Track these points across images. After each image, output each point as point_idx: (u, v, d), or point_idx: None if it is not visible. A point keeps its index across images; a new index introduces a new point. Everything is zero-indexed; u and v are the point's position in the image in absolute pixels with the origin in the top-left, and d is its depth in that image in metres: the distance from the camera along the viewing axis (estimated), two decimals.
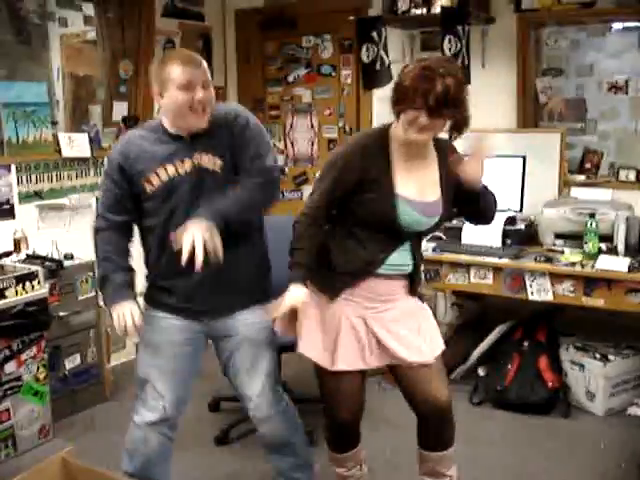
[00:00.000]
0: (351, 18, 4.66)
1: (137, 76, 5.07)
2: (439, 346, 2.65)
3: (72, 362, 4.03)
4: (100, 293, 2.85)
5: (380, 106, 5.02)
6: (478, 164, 2.42)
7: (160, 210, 2.59)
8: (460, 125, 2.39)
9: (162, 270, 2.65)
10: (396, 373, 2.65)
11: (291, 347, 3.55)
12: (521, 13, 4.42)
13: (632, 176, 4.30)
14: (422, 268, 2.74)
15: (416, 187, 2.49)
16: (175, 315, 2.68)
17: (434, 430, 2.64)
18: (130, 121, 5.00)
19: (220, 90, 5.59)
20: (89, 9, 5.04)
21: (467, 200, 2.55)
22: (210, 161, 2.57)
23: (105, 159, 2.66)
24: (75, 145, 4.61)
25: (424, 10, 4.42)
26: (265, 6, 5.41)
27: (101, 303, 3.05)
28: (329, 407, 2.73)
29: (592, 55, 4.54)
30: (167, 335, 2.69)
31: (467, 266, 3.95)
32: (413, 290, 2.65)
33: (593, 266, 3.64)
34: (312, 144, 5.42)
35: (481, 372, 4.22)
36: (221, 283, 2.61)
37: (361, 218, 2.50)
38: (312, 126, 5.39)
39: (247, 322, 2.70)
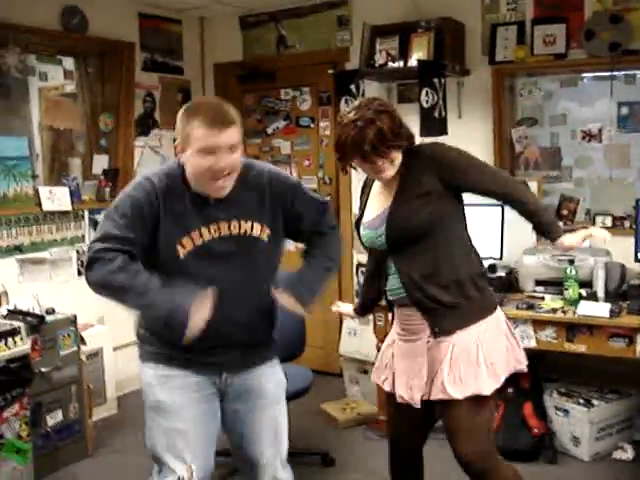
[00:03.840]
0: (330, 72, 4.74)
1: (117, 129, 5.12)
2: (461, 392, 2.52)
3: (54, 418, 3.97)
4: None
5: None
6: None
7: (193, 277, 2.27)
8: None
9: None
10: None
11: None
12: (495, 65, 4.54)
13: (608, 222, 4.37)
14: (441, 298, 2.53)
15: (373, 207, 2.69)
16: (191, 370, 2.40)
17: None
18: (110, 174, 5.03)
19: None
20: (69, 63, 5.10)
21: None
22: (255, 228, 2.35)
23: (119, 200, 2.29)
24: (55, 198, 4.63)
25: (401, 63, 4.51)
26: (244, 60, 5.50)
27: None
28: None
29: (565, 104, 4.64)
30: (185, 394, 2.40)
31: None
32: (434, 328, 2.54)
33: (574, 312, 3.67)
34: None
35: None
36: (243, 333, 2.41)
37: None
38: None
39: (267, 377, 2.51)
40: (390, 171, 2.53)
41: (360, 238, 2.73)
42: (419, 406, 2.59)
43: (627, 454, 3.90)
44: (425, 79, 4.29)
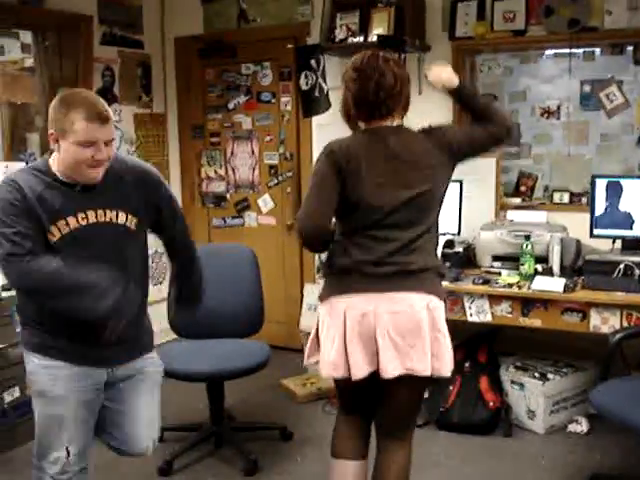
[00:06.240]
0: (290, 46, 4.71)
1: None
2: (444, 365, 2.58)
3: (11, 395, 3.92)
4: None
5: (320, 132, 5.07)
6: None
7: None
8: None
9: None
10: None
11: (234, 375, 3.58)
12: (456, 41, 4.53)
13: (566, 198, 4.42)
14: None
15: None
16: (78, 363, 2.50)
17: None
18: None
19: (161, 117, 5.60)
20: (27, 37, 5.01)
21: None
22: (122, 217, 2.45)
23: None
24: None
25: (361, 38, 4.49)
26: (205, 34, 5.44)
27: None
28: None
29: (525, 81, 4.67)
30: (69, 384, 2.50)
31: None
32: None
33: (529, 287, 3.72)
34: (253, 170, 5.43)
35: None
36: (131, 327, 2.53)
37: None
38: (253, 152, 5.41)
39: (152, 363, 2.70)
40: None
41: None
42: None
43: (581, 427, 3.96)
44: None
